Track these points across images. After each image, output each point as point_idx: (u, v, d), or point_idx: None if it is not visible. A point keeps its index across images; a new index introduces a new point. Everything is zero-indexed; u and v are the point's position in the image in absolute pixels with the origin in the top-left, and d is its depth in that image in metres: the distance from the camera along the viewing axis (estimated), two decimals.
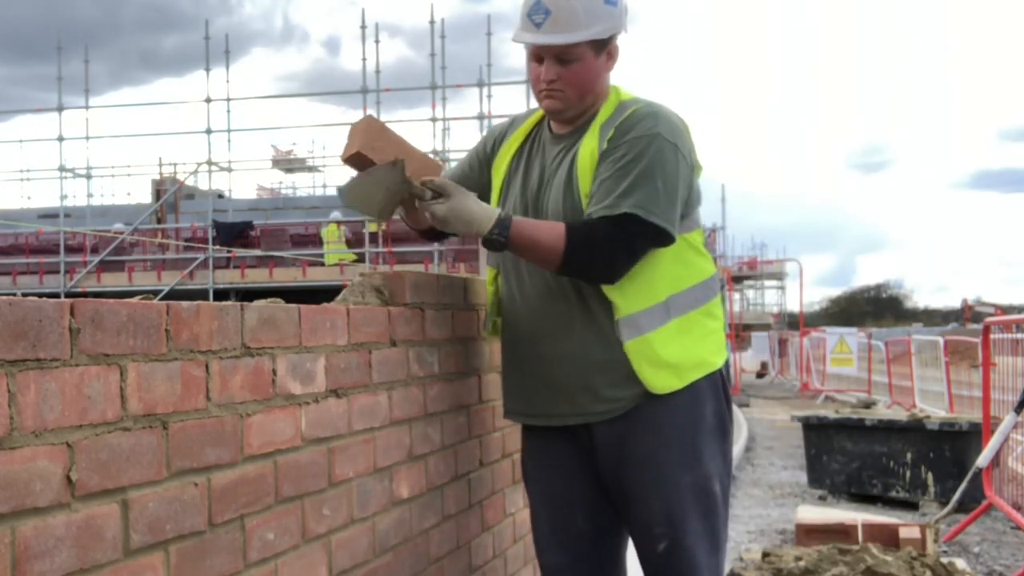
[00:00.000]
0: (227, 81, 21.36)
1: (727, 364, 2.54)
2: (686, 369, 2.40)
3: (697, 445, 2.41)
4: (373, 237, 19.60)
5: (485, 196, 2.55)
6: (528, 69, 2.47)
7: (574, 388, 2.43)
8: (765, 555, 4.73)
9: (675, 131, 2.37)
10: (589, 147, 2.39)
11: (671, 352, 2.38)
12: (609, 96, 2.46)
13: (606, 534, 2.55)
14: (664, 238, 2.33)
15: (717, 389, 2.47)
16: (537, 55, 2.38)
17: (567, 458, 2.52)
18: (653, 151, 2.32)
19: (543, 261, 2.35)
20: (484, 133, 2.81)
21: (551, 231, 2.31)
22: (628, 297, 2.37)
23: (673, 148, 2.34)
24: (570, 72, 2.35)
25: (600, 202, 2.31)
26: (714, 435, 2.45)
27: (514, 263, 2.52)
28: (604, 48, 2.38)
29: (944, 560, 4.59)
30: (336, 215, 20.16)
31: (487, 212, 2.32)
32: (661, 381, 2.37)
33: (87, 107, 21.92)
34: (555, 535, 2.56)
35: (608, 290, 2.36)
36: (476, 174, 2.66)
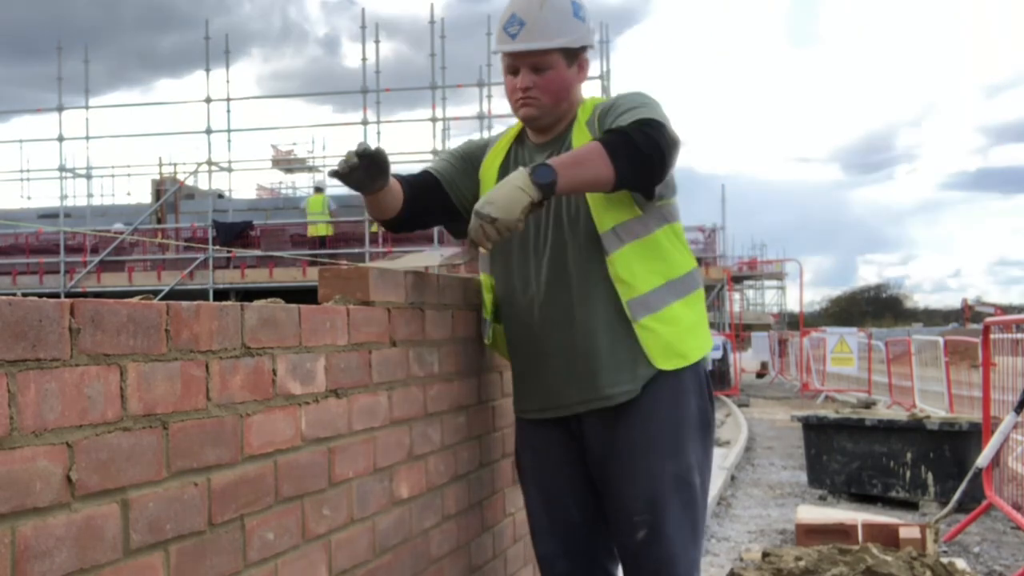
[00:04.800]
0: (227, 81, 21.36)
1: (706, 360, 2.63)
2: (687, 351, 2.51)
3: (681, 437, 2.49)
4: (374, 237, 19.60)
5: (464, 195, 2.66)
6: (505, 83, 2.59)
7: (581, 377, 2.50)
8: (765, 555, 4.73)
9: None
10: (580, 139, 2.50)
11: (674, 332, 2.48)
12: (584, 103, 2.59)
13: (598, 524, 2.61)
14: (676, 152, 2.37)
15: (701, 384, 2.56)
16: (513, 67, 2.52)
17: (559, 449, 2.60)
18: (649, 100, 2.47)
19: (595, 181, 2.31)
20: (469, 141, 2.88)
21: (587, 149, 2.31)
22: (638, 278, 2.45)
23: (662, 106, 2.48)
24: (544, 80, 2.49)
25: (616, 123, 2.39)
26: (697, 429, 2.53)
27: (510, 264, 2.59)
28: (575, 59, 2.53)
29: (944, 560, 4.59)
30: (320, 179, 20.13)
31: (519, 176, 2.25)
32: (668, 360, 2.47)
33: (87, 107, 21.93)
34: (549, 525, 2.64)
35: (618, 272, 2.44)
36: (459, 170, 2.70)
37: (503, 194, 2.23)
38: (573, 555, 2.62)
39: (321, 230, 19.83)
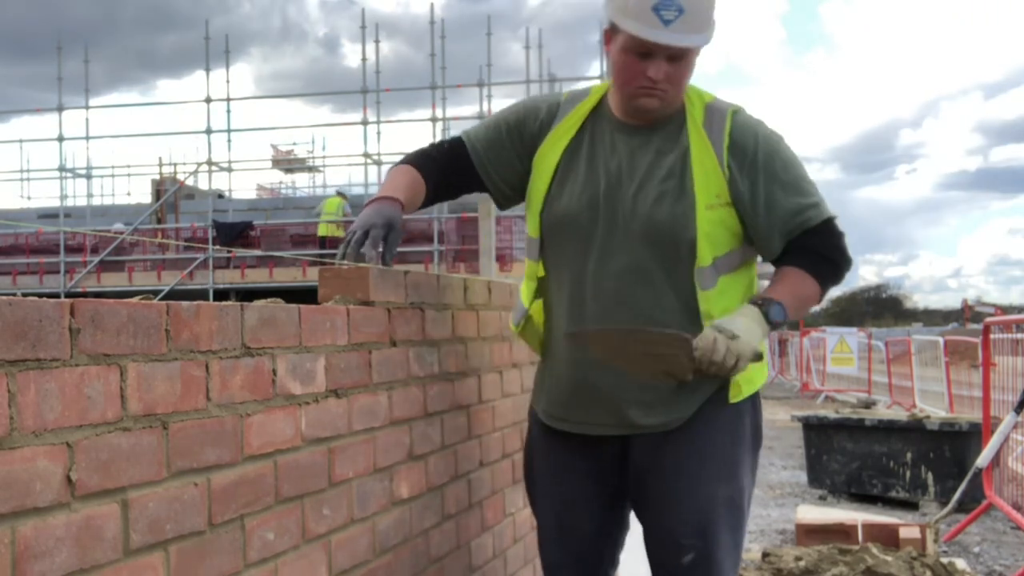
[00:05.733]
0: (227, 81, 21.36)
1: None
2: (754, 378, 2.38)
3: (736, 459, 2.35)
4: None
5: (499, 175, 2.43)
6: (620, 64, 2.24)
7: (638, 403, 2.31)
8: (765, 555, 4.73)
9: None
10: (701, 153, 2.26)
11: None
12: (689, 95, 2.34)
13: (609, 535, 2.52)
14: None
15: (755, 401, 2.44)
16: (645, 51, 2.19)
17: (587, 462, 2.43)
18: (795, 158, 2.34)
19: (810, 307, 2.38)
20: (513, 106, 2.51)
21: (801, 280, 2.29)
22: (723, 305, 2.28)
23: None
24: (677, 72, 2.23)
25: (796, 216, 2.28)
26: (750, 450, 2.40)
27: (576, 269, 2.34)
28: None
29: (944, 560, 4.59)
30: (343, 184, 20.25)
31: (753, 315, 2.17)
32: (739, 393, 2.34)
33: (87, 107, 21.93)
34: (560, 535, 2.49)
35: (711, 309, 2.25)
36: (507, 145, 2.42)
37: (743, 327, 2.11)
38: (582, 565, 2.50)
39: (332, 230, 19.90)
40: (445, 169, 2.44)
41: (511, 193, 2.49)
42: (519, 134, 2.42)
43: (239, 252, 18.90)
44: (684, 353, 2.09)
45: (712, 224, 2.24)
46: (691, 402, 2.31)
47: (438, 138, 20.25)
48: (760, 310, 2.17)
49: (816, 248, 2.31)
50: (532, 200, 2.41)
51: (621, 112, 2.34)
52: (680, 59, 2.21)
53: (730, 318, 2.16)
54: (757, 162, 2.27)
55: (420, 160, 2.44)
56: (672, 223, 2.24)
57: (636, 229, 2.26)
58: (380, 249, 2.17)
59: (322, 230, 19.81)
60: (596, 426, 2.37)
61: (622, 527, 2.56)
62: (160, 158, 27.15)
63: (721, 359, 2.09)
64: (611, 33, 2.26)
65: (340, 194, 20.72)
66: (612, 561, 2.58)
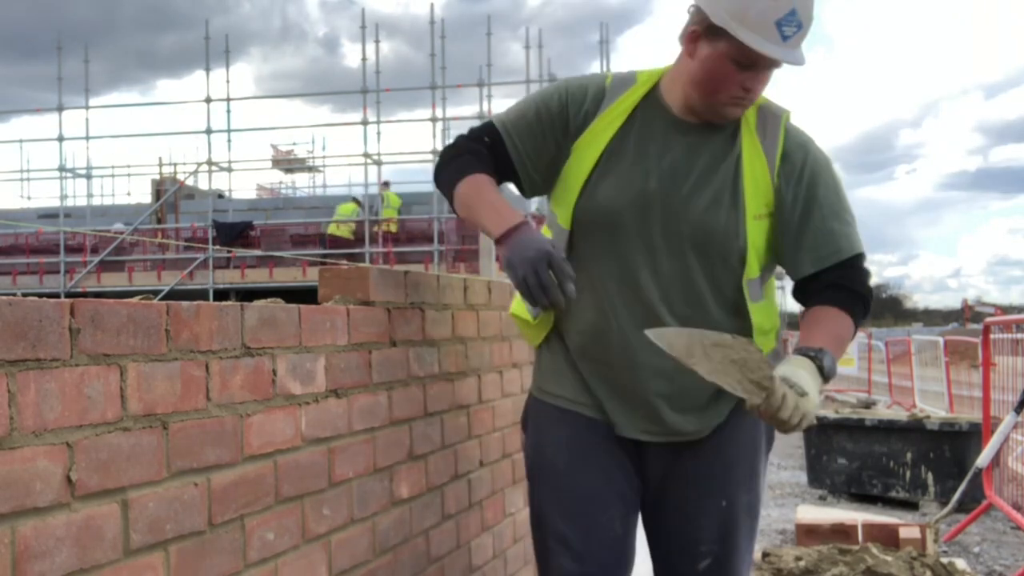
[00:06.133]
0: (227, 81, 21.34)
1: None
2: None
3: (756, 463, 2.32)
4: (373, 237, 19.60)
5: (540, 157, 2.26)
6: (713, 70, 2.10)
7: (665, 403, 2.23)
8: (765, 555, 4.72)
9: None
10: (754, 161, 2.20)
11: None
12: None
13: (632, 539, 2.32)
14: None
15: None
16: (748, 62, 2.07)
17: (610, 457, 2.27)
18: (835, 179, 2.27)
19: (846, 348, 2.29)
20: (551, 87, 2.32)
21: (840, 322, 2.18)
22: (774, 328, 2.28)
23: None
24: (764, 84, 2.15)
25: (830, 242, 2.21)
26: (765, 455, 2.37)
27: (618, 266, 2.21)
28: None
29: (944, 560, 4.59)
30: (358, 191, 20.28)
31: (810, 369, 2.05)
32: None
33: (87, 107, 21.91)
34: (581, 540, 2.22)
35: (761, 322, 2.23)
36: (544, 128, 2.25)
37: (809, 384, 2.00)
38: (606, 573, 2.25)
39: (344, 232, 19.93)
40: (493, 163, 2.28)
41: (539, 181, 2.30)
42: (560, 117, 2.25)
43: (239, 252, 18.88)
44: (768, 367, 1.98)
45: (758, 234, 2.19)
46: (720, 410, 2.26)
47: (438, 138, 20.28)
48: (814, 363, 2.05)
49: (849, 284, 2.22)
50: (568, 189, 2.24)
51: (683, 109, 2.21)
52: (769, 73, 2.12)
53: (794, 370, 2.02)
54: (803, 178, 2.21)
55: (483, 162, 2.26)
56: (724, 232, 2.17)
57: (687, 233, 2.17)
58: (562, 279, 2.03)
59: (331, 229, 19.86)
60: (634, 429, 2.25)
61: (634, 547, 2.34)
62: (160, 158, 27.13)
63: (788, 416, 1.96)
64: (707, 35, 2.09)
65: (356, 200, 20.69)
66: (629, 566, 2.36)
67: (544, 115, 2.25)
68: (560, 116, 2.24)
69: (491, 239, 2.14)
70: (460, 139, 2.32)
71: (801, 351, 2.10)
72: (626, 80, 2.26)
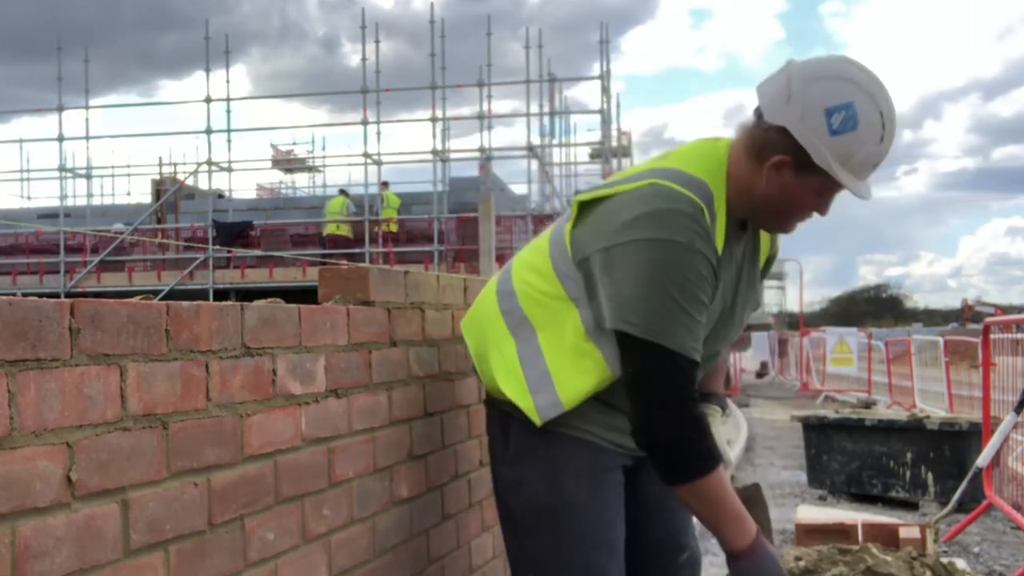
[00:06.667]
0: (227, 81, 21.34)
1: None
2: None
3: None
4: (373, 237, 19.61)
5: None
6: (798, 196, 2.05)
7: None
8: None
9: None
10: (764, 252, 2.33)
11: None
12: None
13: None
14: None
15: None
16: (830, 193, 2.06)
17: (621, 490, 2.31)
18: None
19: None
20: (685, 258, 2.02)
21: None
22: None
23: None
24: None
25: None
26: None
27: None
28: None
29: (944, 560, 4.59)
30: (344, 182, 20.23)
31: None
32: None
33: (87, 107, 21.92)
34: (620, 571, 2.25)
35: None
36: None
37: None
38: None
39: (343, 230, 19.93)
40: None
41: None
42: (713, 280, 2.09)
43: (239, 252, 18.88)
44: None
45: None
46: None
47: (438, 138, 20.26)
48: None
49: None
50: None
51: (739, 214, 2.13)
52: None
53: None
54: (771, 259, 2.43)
55: (716, 450, 2.12)
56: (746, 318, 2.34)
57: (735, 335, 2.31)
58: None
59: (328, 229, 19.85)
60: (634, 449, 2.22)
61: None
62: (160, 158, 27.08)
63: None
64: (798, 168, 2.00)
65: (343, 192, 20.74)
66: None
67: (709, 292, 2.08)
68: (714, 262, 2.07)
69: (722, 544, 2.08)
70: (688, 400, 2.07)
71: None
72: (703, 194, 2.07)
